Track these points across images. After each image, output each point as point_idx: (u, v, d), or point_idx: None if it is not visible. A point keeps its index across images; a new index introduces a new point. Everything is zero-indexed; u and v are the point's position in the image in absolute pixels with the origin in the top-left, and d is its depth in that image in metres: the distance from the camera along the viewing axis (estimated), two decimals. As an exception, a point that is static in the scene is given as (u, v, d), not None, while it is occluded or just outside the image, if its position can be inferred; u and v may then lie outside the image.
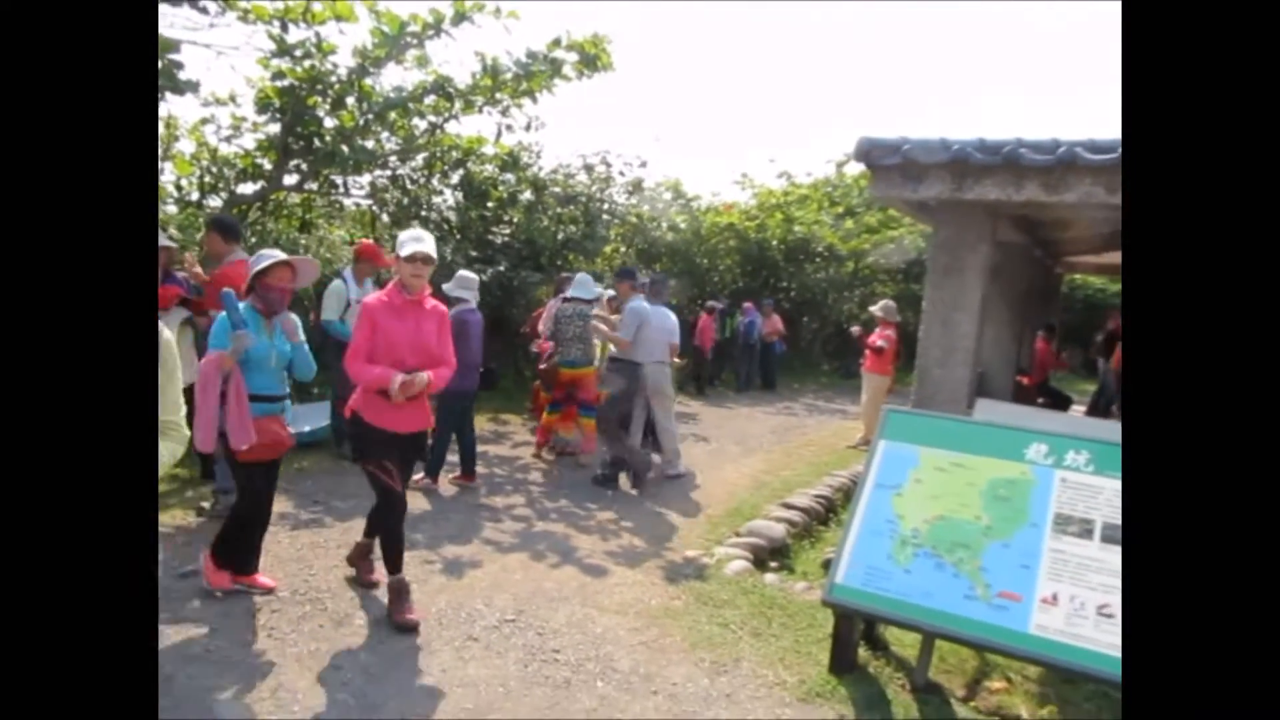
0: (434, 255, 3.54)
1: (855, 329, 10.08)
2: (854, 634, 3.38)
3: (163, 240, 4.93)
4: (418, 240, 3.51)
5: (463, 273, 6.07)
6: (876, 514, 3.36)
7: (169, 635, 3.29)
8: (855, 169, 17.25)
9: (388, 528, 3.64)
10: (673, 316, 6.83)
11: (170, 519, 4.59)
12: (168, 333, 2.10)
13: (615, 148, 15.65)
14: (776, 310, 14.62)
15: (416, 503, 5.24)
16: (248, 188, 9.09)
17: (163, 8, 7.43)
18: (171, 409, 2.08)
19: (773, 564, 4.85)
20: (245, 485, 3.71)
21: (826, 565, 4.27)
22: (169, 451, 2.07)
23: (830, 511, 6.04)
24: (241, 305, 3.56)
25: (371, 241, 6.66)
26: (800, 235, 16.56)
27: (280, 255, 3.62)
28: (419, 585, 3.94)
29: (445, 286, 5.95)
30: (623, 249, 14.59)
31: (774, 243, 16.52)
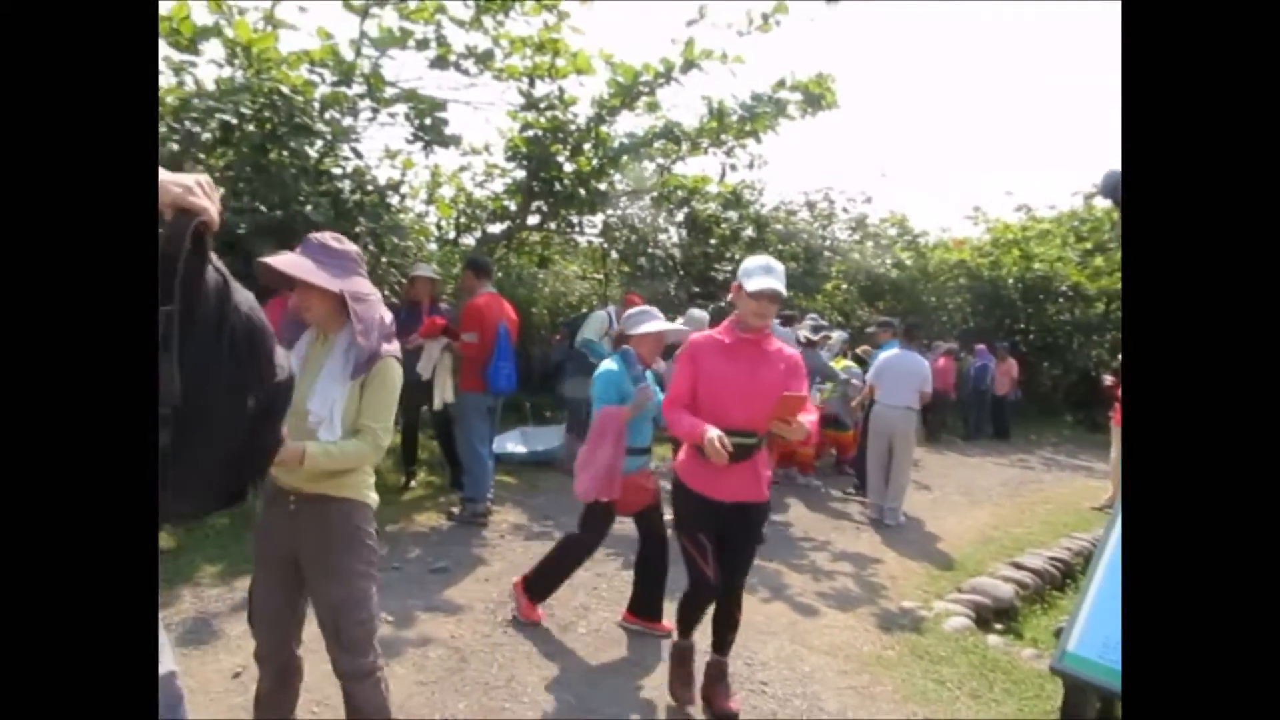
0: (784, 292, 2.93)
1: (1107, 378, 9.20)
2: (1087, 710, 3.11)
3: (427, 272, 5.64)
4: (768, 272, 2.90)
5: (694, 311, 5.88)
6: (1118, 581, 3.09)
7: (422, 621, 3.73)
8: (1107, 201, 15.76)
9: (692, 603, 3.17)
10: (924, 361, 6.65)
11: (426, 520, 5.17)
12: (395, 362, 2.36)
13: (838, 184, 15.57)
14: (1012, 354, 13.62)
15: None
16: (496, 227, 10.07)
17: (432, 72, 8.53)
18: (374, 416, 2.30)
19: (997, 625, 4.55)
20: (590, 528, 3.75)
21: (1059, 634, 3.95)
22: (354, 449, 2.26)
23: (1068, 577, 5.55)
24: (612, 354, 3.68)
25: (636, 295, 7.26)
26: (1040, 273, 15.35)
27: (662, 323, 3.64)
28: (634, 604, 4.16)
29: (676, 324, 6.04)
30: (844, 286, 14.36)
31: (1010, 281, 15.44)
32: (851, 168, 41.77)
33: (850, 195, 13.46)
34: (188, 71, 6.94)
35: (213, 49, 7.18)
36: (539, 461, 6.76)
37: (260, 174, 5.95)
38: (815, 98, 8.48)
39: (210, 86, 7.03)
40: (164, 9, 6.87)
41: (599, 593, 4.29)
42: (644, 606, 3.86)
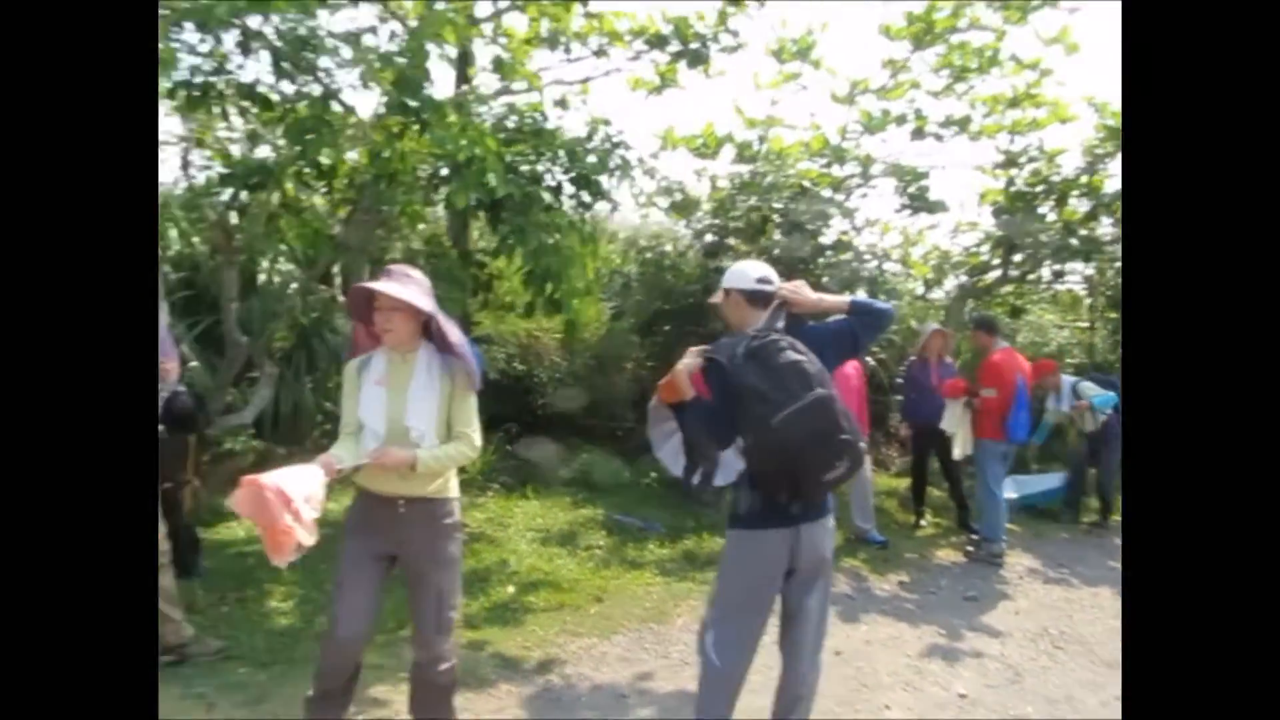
0: None
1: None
2: None
3: (941, 327, 6.29)
4: None
5: None
6: None
7: (970, 638, 4.27)
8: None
9: None
10: None
11: (944, 556, 5.72)
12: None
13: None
14: None
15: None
16: (965, 280, 10.35)
17: (914, 142, 9.25)
18: (465, 423, 2.59)
19: None
20: None
21: None
22: (457, 452, 2.55)
23: None
24: None
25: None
26: None
27: None
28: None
29: None
30: None
31: None
32: None
33: None
34: (717, 178, 8.66)
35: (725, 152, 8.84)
36: (1038, 511, 6.90)
37: (786, 252, 7.23)
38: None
39: (723, 183, 8.69)
40: (695, 128, 8.70)
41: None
42: None
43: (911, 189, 8.72)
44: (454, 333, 2.56)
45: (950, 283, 10.63)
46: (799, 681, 2.64)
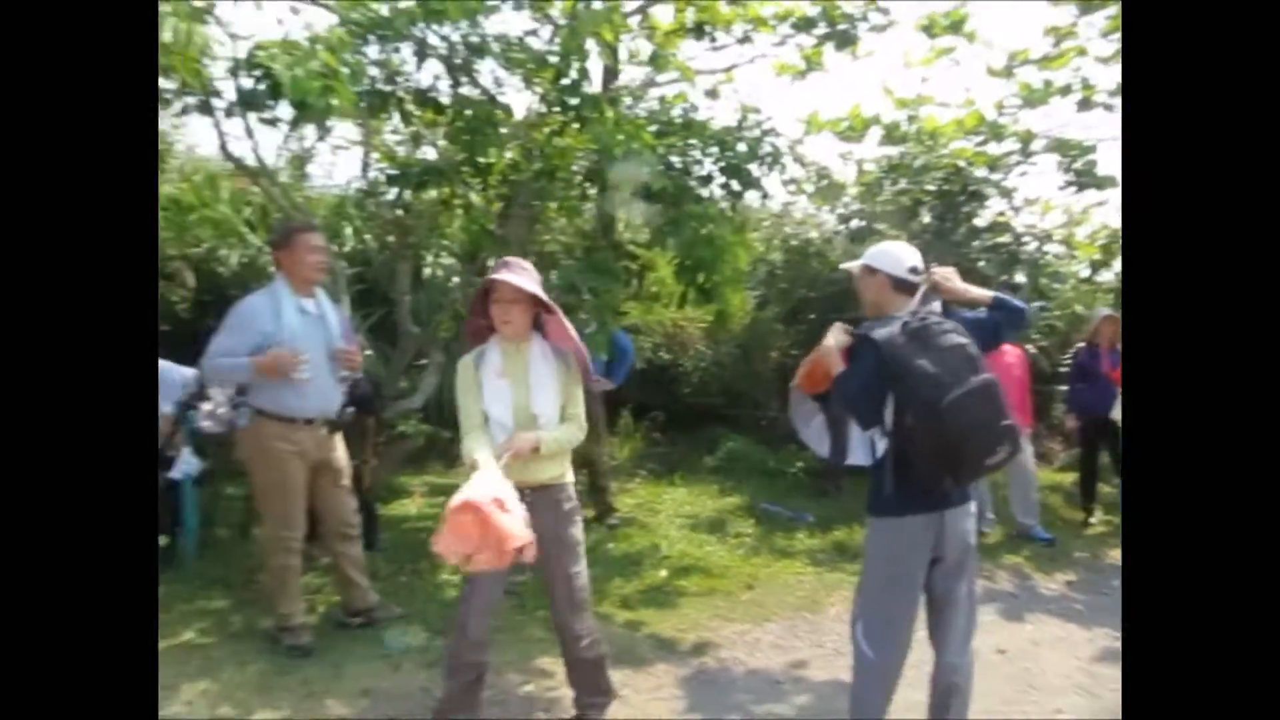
0: None
1: None
2: None
3: (1111, 312, 5.90)
4: None
5: None
6: None
7: (1100, 640, 4.01)
8: None
9: None
10: None
11: (1118, 557, 5.36)
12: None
13: None
14: None
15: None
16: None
17: (1080, 114, 8.60)
18: (577, 405, 2.71)
19: None
20: None
21: None
22: (571, 433, 2.67)
23: None
24: None
25: None
26: None
27: None
28: None
29: None
30: None
31: None
32: None
33: None
34: (864, 161, 8.42)
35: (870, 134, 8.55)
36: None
37: (939, 238, 6.95)
38: None
39: (870, 166, 8.42)
40: (839, 111, 8.47)
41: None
42: None
43: (1077, 164, 8.16)
44: (569, 326, 2.65)
45: (1120, 264, 9.89)
46: (951, 671, 2.56)
